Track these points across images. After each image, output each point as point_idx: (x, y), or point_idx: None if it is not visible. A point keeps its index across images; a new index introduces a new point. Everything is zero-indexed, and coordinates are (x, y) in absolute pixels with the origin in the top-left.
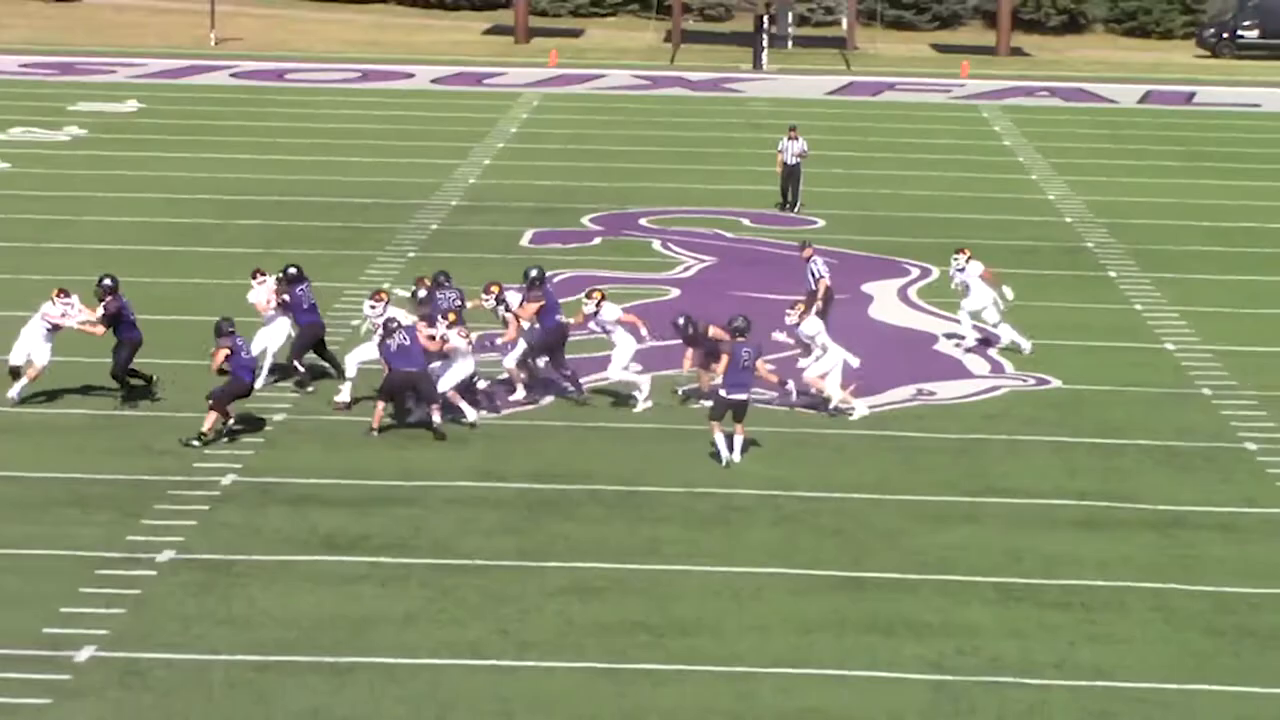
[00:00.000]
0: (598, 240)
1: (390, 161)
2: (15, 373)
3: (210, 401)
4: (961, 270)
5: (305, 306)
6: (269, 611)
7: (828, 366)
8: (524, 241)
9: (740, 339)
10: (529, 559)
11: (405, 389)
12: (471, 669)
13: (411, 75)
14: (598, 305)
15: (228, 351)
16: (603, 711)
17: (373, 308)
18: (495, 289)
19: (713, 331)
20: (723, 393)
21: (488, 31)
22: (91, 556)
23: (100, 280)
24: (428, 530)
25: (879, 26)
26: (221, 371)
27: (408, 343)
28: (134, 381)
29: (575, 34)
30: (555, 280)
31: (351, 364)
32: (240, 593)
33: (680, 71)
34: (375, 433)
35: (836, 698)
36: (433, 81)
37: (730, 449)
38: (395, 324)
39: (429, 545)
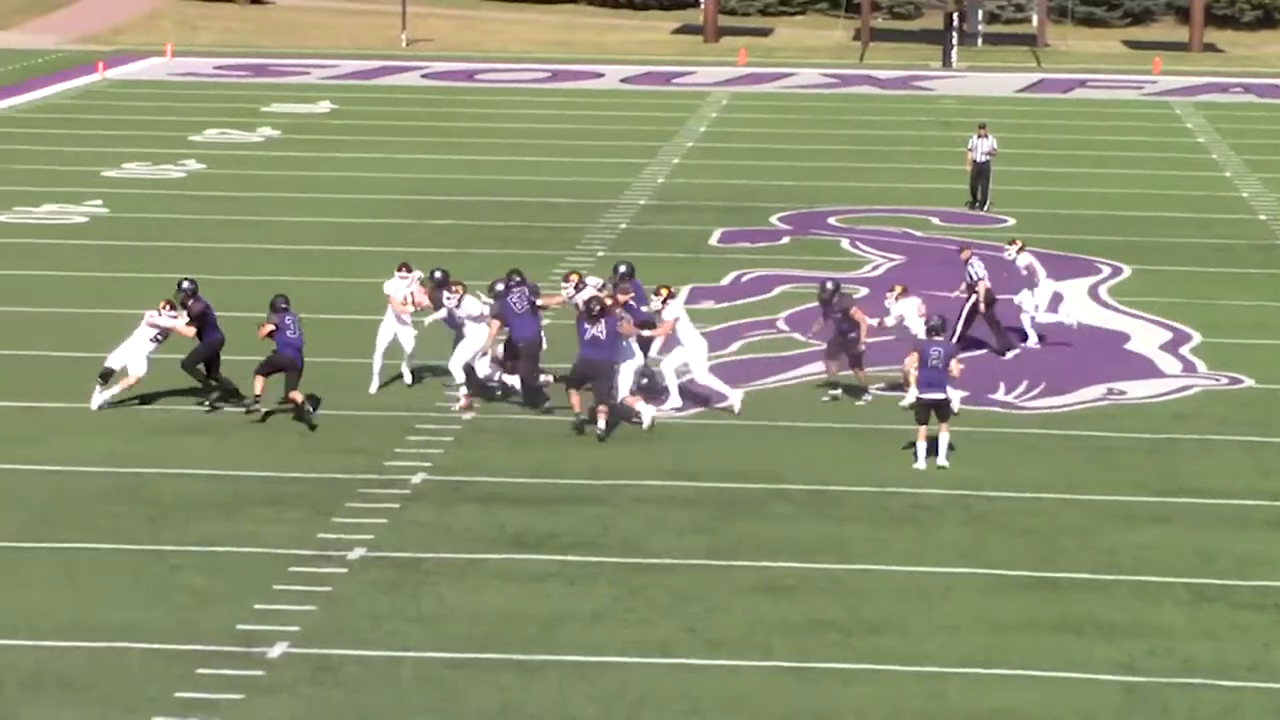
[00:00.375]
0: (786, 239)
1: (579, 161)
2: (106, 376)
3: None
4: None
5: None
6: (458, 609)
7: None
8: (712, 241)
9: (936, 338)
10: (718, 558)
11: (591, 379)
12: (660, 668)
13: (601, 75)
14: (663, 301)
15: (273, 328)
16: (791, 710)
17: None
18: (575, 278)
19: (854, 312)
20: (918, 394)
21: (677, 31)
22: (284, 554)
23: (180, 284)
24: (616, 529)
25: (1070, 23)
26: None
27: (603, 335)
28: (201, 380)
29: (764, 33)
30: (744, 279)
31: (456, 368)
32: (430, 590)
33: (869, 70)
34: (581, 417)
35: (1026, 698)
36: (622, 81)
37: (934, 452)
38: (598, 307)
39: (618, 544)
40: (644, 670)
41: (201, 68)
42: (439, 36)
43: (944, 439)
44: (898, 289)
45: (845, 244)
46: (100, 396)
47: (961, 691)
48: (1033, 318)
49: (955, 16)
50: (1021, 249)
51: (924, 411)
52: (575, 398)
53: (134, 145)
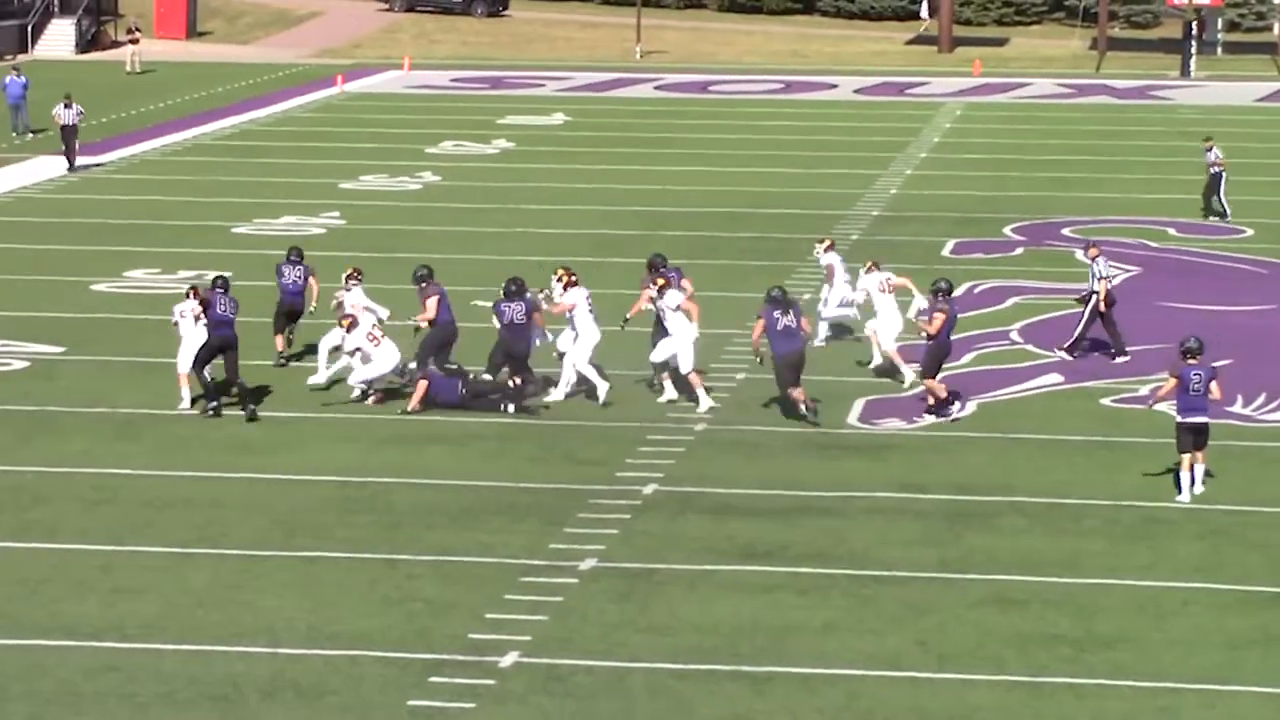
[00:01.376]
0: (1020, 250)
1: (812, 172)
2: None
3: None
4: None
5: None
6: (688, 619)
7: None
8: (945, 251)
9: (1192, 361)
10: (949, 570)
11: (796, 370)
12: (890, 680)
13: (834, 86)
14: (564, 286)
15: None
16: None
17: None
18: (660, 281)
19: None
20: (1178, 419)
21: (911, 41)
22: (516, 564)
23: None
24: (847, 540)
25: None
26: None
27: (794, 324)
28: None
29: (999, 43)
30: (977, 290)
31: (572, 370)
32: (660, 601)
33: (1106, 79)
34: (808, 404)
35: (1262, 715)
36: (855, 92)
37: (1192, 482)
38: (790, 304)
39: (848, 555)
40: (873, 682)
41: (438, 80)
42: (673, 48)
43: (1199, 470)
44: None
45: (1080, 255)
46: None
47: (1197, 707)
48: (820, 311)
49: (1194, 25)
50: (829, 248)
51: (1186, 439)
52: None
53: (371, 158)
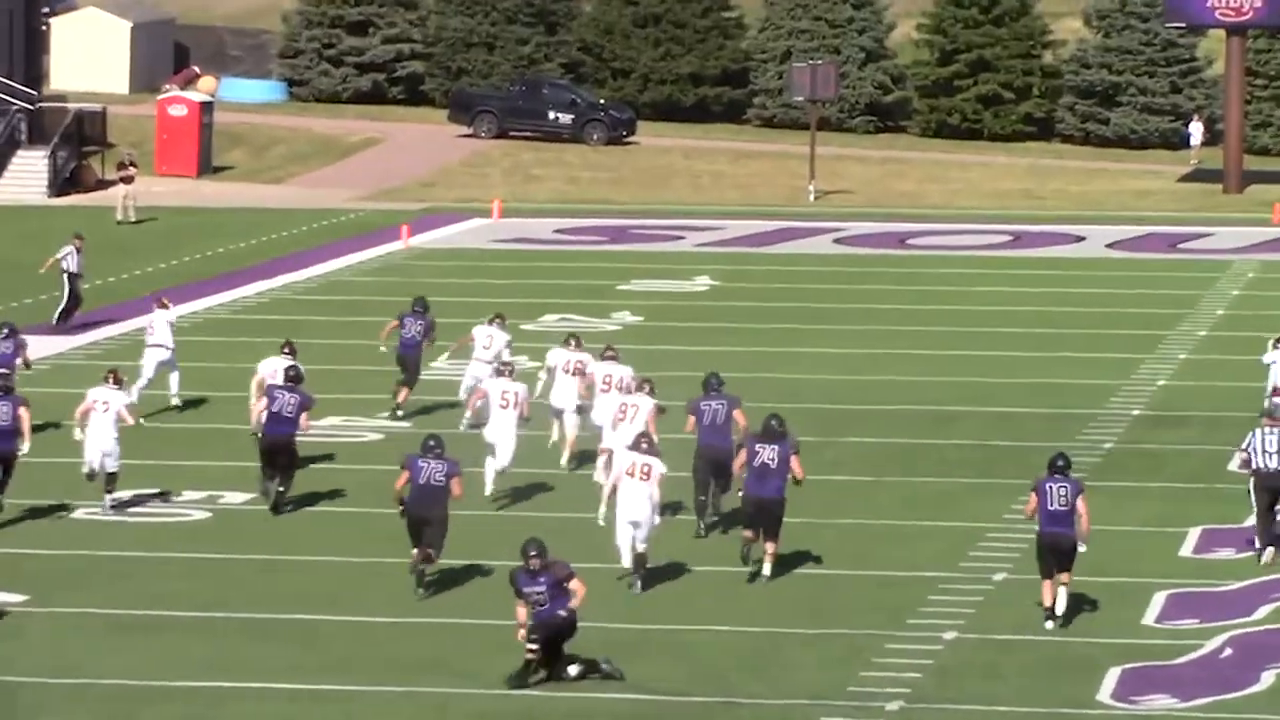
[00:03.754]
0: None
1: (1050, 356)
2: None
3: None
4: None
5: None
6: None
7: None
8: (1233, 465)
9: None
10: None
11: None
12: None
13: (1081, 239)
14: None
15: None
16: None
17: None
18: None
19: None
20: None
21: (1185, 178)
22: None
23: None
24: None
25: None
26: None
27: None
28: None
29: None
30: None
31: None
32: None
33: None
34: None
35: None
36: (1109, 246)
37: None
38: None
39: None
40: None
41: (538, 231)
42: (860, 187)
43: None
44: None
45: None
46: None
47: None
48: None
49: None
50: None
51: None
52: None
53: (447, 336)
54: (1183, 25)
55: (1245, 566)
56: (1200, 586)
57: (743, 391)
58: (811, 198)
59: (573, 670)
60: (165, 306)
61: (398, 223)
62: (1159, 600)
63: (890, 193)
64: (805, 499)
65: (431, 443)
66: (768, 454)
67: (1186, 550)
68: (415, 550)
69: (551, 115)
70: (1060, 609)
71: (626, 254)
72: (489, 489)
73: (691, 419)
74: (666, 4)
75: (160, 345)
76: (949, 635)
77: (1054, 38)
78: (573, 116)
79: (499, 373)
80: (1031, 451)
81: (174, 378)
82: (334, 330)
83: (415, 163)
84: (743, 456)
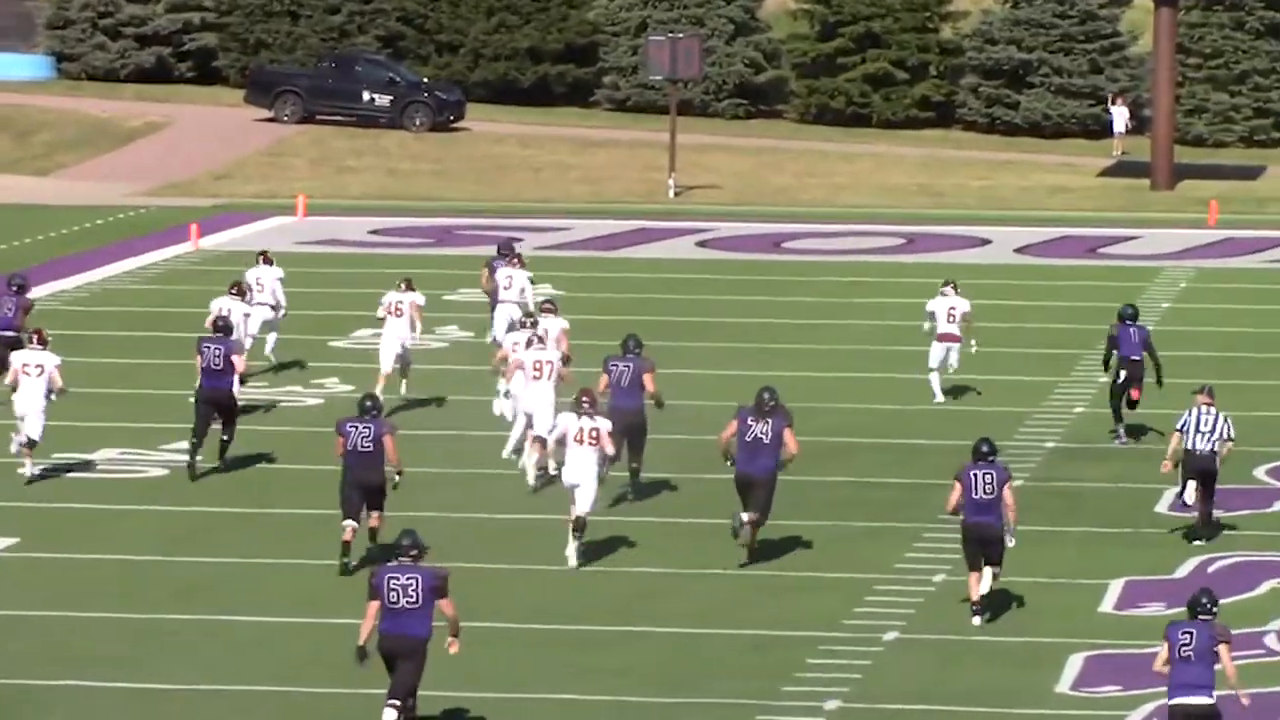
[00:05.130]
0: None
1: (949, 379)
2: None
3: None
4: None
5: None
6: None
7: None
8: (1160, 508)
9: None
10: None
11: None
12: None
13: (986, 242)
14: None
15: None
16: None
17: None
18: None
19: None
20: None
21: (1108, 172)
22: None
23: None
24: None
25: None
26: None
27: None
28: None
29: (1249, 174)
30: (1211, 569)
31: None
32: None
33: None
34: None
35: None
36: (1017, 251)
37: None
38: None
39: None
40: None
41: (350, 232)
42: (728, 181)
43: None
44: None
45: None
46: None
47: None
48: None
49: None
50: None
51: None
52: None
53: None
54: None
55: None
56: (1123, 648)
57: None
58: (671, 193)
59: None
60: (270, 262)
61: (186, 221)
62: (1075, 663)
63: (763, 188)
64: (670, 546)
65: (368, 403)
66: (760, 428)
67: (1107, 605)
68: (345, 523)
69: (366, 97)
70: (983, 591)
71: (454, 259)
72: (508, 451)
73: (604, 378)
74: None
75: (265, 304)
76: (831, 705)
77: (954, 9)
78: (391, 98)
79: (531, 342)
80: (932, 490)
81: (272, 337)
82: (112, 347)
83: (207, 152)
84: (731, 429)
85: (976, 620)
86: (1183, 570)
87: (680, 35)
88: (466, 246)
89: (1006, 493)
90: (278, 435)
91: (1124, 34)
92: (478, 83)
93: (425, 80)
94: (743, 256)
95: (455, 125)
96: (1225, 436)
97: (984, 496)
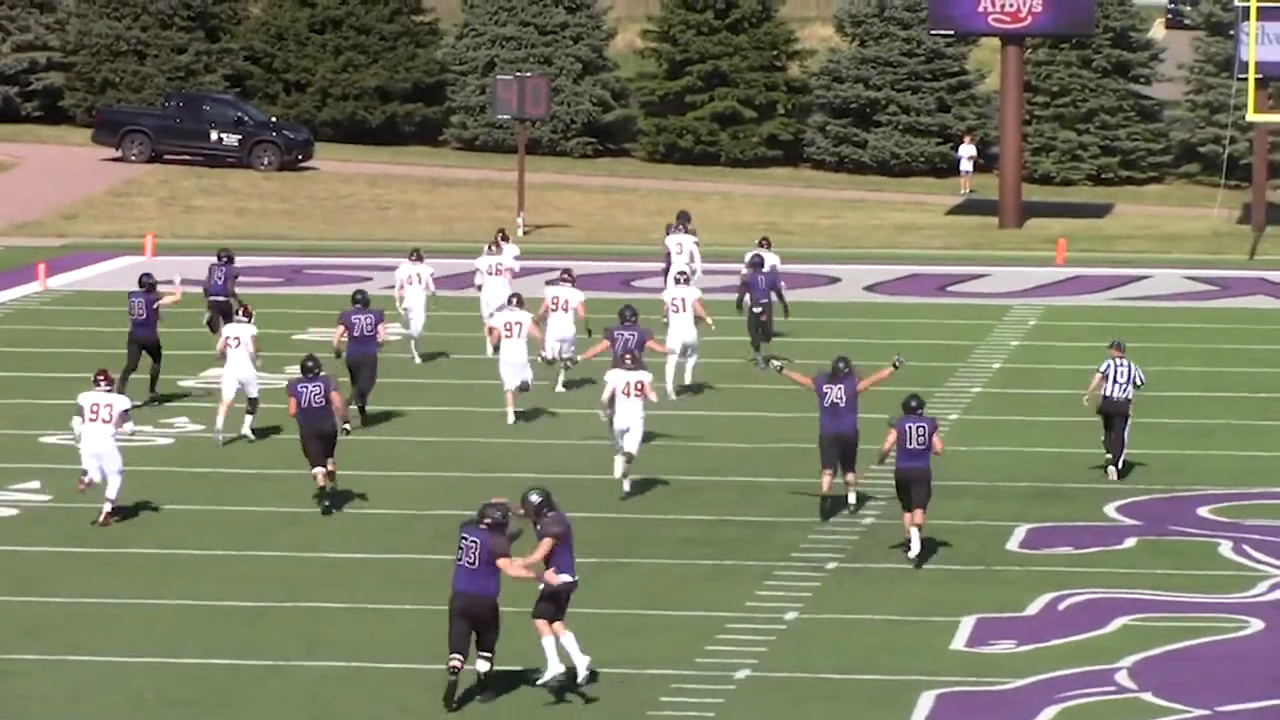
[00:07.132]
0: (1131, 541)
1: (788, 418)
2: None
3: None
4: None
5: None
6: None
7: None
8: (1011, 545)
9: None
10: None
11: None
12: None
13: (835, 280)
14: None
15: None
16: None
17: None
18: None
19: None
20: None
21: (955, 210)
22: None
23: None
24: None
25: None
26: None
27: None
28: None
29: (1098, 212)
30: (1062, 605)
31: None
32: None
33: (1265, 269)
34: None
35: None
36: (867, 290)
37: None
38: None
39: None
40: None
41: (199, 271)
42: (578, 220)
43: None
44: None
45: (1226, 549)
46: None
47: None
48: None
49: None
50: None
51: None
52: None
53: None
54: (950, 33)
55: (1027, 661)
56: (975, 685)
57: (440, 461)
58: (520, 232)
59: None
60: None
61: (34, 261)
62: (926, 702)
63: (613, 227)
64: (518, 586)
65: (310, 364)
66: (835, 393)
67: (959, 643)
68: (316, 470)
69: (214, 136)
70: (914, 550)
71: (303, 298)
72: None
73: (604, 343)
74: (348, 5)
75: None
76: None
77: (801, 47)
78: (239, 138)
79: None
80: (780, 528)
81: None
82: None
83: (53, 191)
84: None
85: (910, 555)
86: (1033, 608)
87: (528, 75)
88: (315, 286)
89: (936, 439)
90: (129, 475)
91: (971, 72)
92: (326, 122)
93: (273, 120)
94: (592, 295)
95: (304, 164)
96: (1137, 383)
97: (917, 445)
